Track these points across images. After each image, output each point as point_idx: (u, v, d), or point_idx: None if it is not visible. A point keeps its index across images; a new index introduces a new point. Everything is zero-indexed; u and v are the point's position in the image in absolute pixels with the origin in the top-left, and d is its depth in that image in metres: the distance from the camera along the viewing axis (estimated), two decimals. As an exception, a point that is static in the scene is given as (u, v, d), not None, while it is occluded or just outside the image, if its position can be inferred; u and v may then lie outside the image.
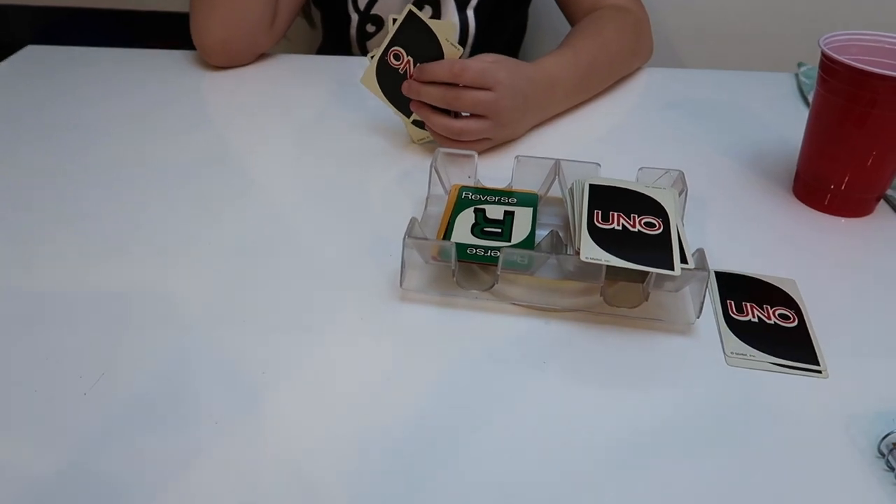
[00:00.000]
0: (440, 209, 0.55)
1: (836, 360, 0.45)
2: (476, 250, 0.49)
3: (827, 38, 0.57)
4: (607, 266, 0.45)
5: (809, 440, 0.40)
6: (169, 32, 1.39)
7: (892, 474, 0.38)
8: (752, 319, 0.48)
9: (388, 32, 0.64)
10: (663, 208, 0.49)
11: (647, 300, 0.47)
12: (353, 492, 0.37)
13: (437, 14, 0.91)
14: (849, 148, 0.57)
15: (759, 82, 0.84)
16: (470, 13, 0.91)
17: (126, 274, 0.52)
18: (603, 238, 0.46)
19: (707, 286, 0.45)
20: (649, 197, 0.50)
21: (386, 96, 0.67)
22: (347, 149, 0.69)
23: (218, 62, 0.85)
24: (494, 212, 0.53)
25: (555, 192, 0.57)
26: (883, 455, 0.39)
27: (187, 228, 0.57)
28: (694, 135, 0.72)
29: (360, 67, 0.67)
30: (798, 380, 0.44)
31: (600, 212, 0.49)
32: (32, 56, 0.90)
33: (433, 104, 0.63)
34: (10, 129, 0.73)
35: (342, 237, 0.56)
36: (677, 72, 0.88)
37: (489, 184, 0.59)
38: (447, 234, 0.51)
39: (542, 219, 0.55)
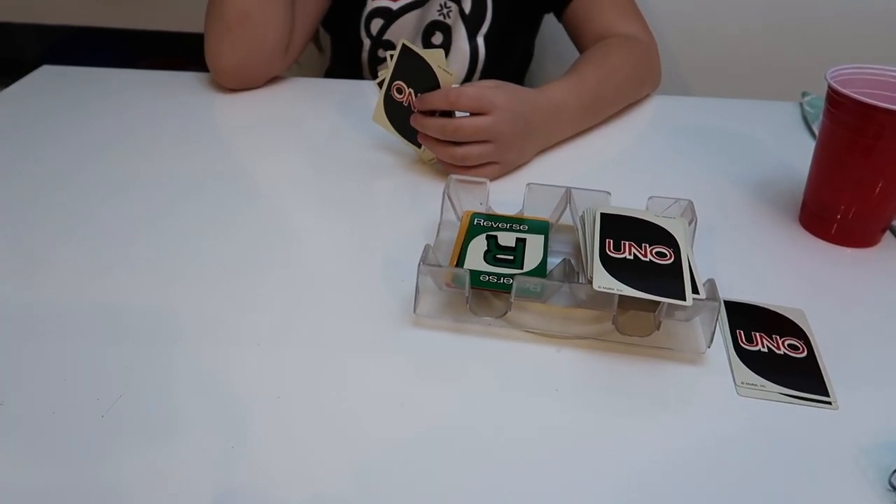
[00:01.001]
0: (452, 235, 0.56)
1: (846, 392, 0.45)
2: (489, 277, 0.49)
3: (833, 72, 0.58)
4: (619, 295, 0.46)
5: (819, 472, 0.40)
6: (177, 51, 1.40)
7: (903, 507, 0.38)
8: (762, 349, 0.48)
9: (388, 69, 0.66)
10: (674, 238, 0.50)
11: (658, 329, 0.47)
12: (369, 519, 0.37)
13: (447, 42, 0.92)
14: (855, 179, 0.58)
15: (764, 111, 0.85)
16: (480, 40, 0.92)
17: (139, 295, 0.53)
18: (615, 267, 0.47)
19: (717, 316, 0.46)
20: (660, 226, 0.51)
21: (396, 130, 0.70)
22: (358, 172, 0.70)
23: (231, 85, 0.86)
24: (507, 239, 0.54)
25: (566, 219, 0.58)
26: (893, 488, 0.39)
27: (199, 251, 0.58)
28: (701, 162, 0.73)
29: (371, 90, 0.68)
30: (808, 411, 0.44)
31: (612, 241, 0.49)
32: (47, 76, 0.91)
33: (436, 136, 0.65)
34: (22, 145, 0.74)
35: (354, 262, 0.57)
36: (684, 100, 0.89)
37: (501, 210, 0.59)
38: (460, 261, 0.52)
39: (553, 246, 0.56)
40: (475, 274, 0.49)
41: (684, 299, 0.45)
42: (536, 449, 0.41)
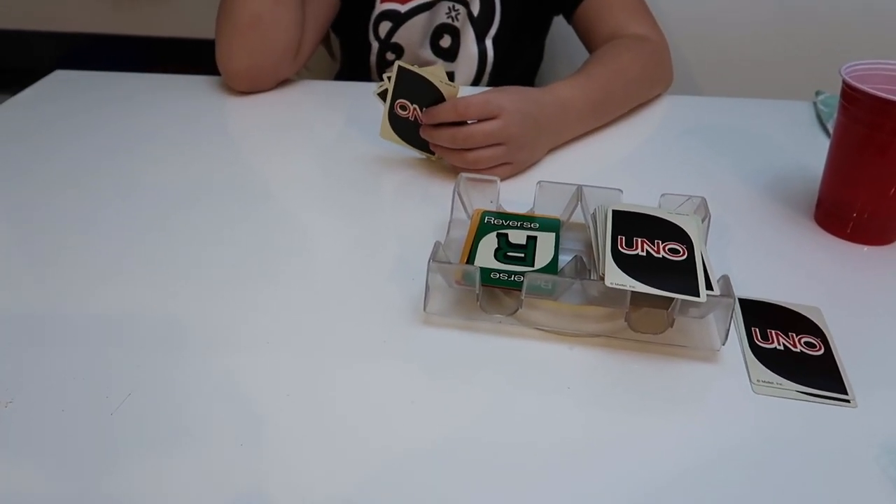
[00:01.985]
0: (462, 233, 0.55)
1: (865, 390, 0.44)
2: (500, 275, 0.49)
3: (848, 68, 0.58)
4: (631, 292, 0.45)
5: (838, 471, 0.39)
6: (191, 58, 1.41)
7: (925, 506, 0.37)
8: (778, 347, 0.48)
9: (388, 86, 0.67)
10: (687, 235, 0.49)
11: (671, 326, 0.47)
12: (379, 516, 0.37)
13: (456, 45, 0.92)
14: (871, 176, 0.57)
15: (777, 110, 0.84)
16: (489, 43, 0.92)
17: (149, 295, 0.53)
18: (627, 264, 0.46)
19: (732, 313, 0.45)
20: (673, 223, 0.51)
21: (406, 142, 0.70)
22: (368, 172, 0.70)
23: (242, 88, 0.86)
24: (517, 237, 0.54)
25: (577, 217, 0.57)
26: (915, 486, 0.38)
27: (209, 251, 0.58)
28: (713, 161, 0.73)
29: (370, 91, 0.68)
30: (826, 409, 0.43)
31: (624, 237, 0.49)
32: (60, 80, 0.92)
33: (447, 146, 0.65)
34: (35, 149, 0.74)
35: (365, 261, 0.56)
36: (696, 99, 0.88)
37: (511, 209, 0.59)
38: (470, 259, 0.51)
39: (564, 244, 0.55)
40: (486, 271, 0.49)
41: (698, 295, 0.44)
42: (549, 448, 0.41)
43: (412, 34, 0.92)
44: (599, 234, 0.50)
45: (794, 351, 0.47)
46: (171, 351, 0.47)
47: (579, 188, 0.57)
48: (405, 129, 0.69)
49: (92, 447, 0.41)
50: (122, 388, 0.44)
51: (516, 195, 0.61)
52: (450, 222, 0.58)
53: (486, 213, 0.57)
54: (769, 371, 0.46)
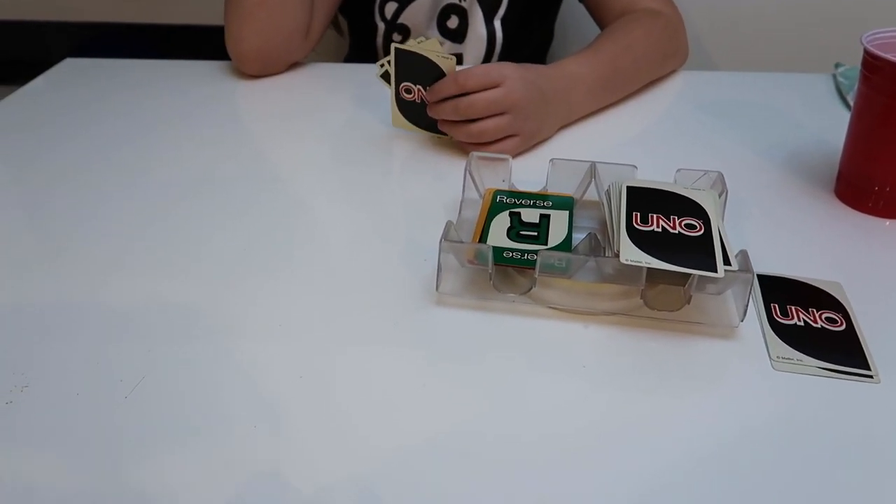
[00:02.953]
0: (475, 213, 0.55)
1: (888, 365, 0.43)
2: (513, 254, 0.48)
3: (869, 36, 0.56)
4: (647, 269, 0.45)
5: (861, 446, 0.39)
6: (203, 46, 1.41)
7: (951, 482, 0.36)
8: (798, 323, 0.47)
9: (388, 70, 0.66)
10: (703, 210, 0.48)
11: (688, 303, 0.46)
12: (389, 495, 0.37)
13: (464, 26, 0.91)
14: (893, 147, 0.55)
15: (795, 84, 0.82)
16: (497, 24, 0.91)
17: (159, 280, 0.53)
18: (643, 240, 0.46)
19: (751, 289, 0.44)
20: (689, 198, 0.50)
21: (418, 127, 0.69)
22: (378, 154, 0.69)
23: (252, 70, 0.85)
24: (530, 215, 0.53)
25: (591, 195, 0.56)
26: (941, 462, 0.37)
27: (221, 235, 0.58)
28: (730, 137, 0.71)
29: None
30: (848, 385, 0.42)
31: (639, 214, 0.48)
32: (71, 68, 0.92)
33: (451, 119, 0.64)
34: (47, 137, 0.74)
35: (376, 242, 0.56)
36: (711, 74, 0.87)
37: (524, 187, 0.58)
38: (483, 238, 0.50)
39: (578, 222, 0.54)
40: (498, 250, 0.48)
41: (716, 271, 0.43)
42: (564, 428, 0.40)
43: (419, 14, 0.91)
44: (614, 211, 0.49)
45: (815, 327, 0.46)
46: (183, 335, 0.47)
47: (593, 165, 0.56)
48: (414, 113, 0.69)
49: (107, 430, 0.41)
50: (136, 372, 0.44)
51: (529, 174, 0.60)
52: (461, 202, 0.57)
53: (498, 191, 0.56)
54: (789, 347, 0.45)
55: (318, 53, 1.05)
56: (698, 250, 0.45)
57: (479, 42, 0.91)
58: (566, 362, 0.44)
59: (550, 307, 0.48)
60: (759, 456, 0.38)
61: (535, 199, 0.55)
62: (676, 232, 0.46)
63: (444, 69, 0.64)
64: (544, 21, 1.01)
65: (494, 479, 0.37)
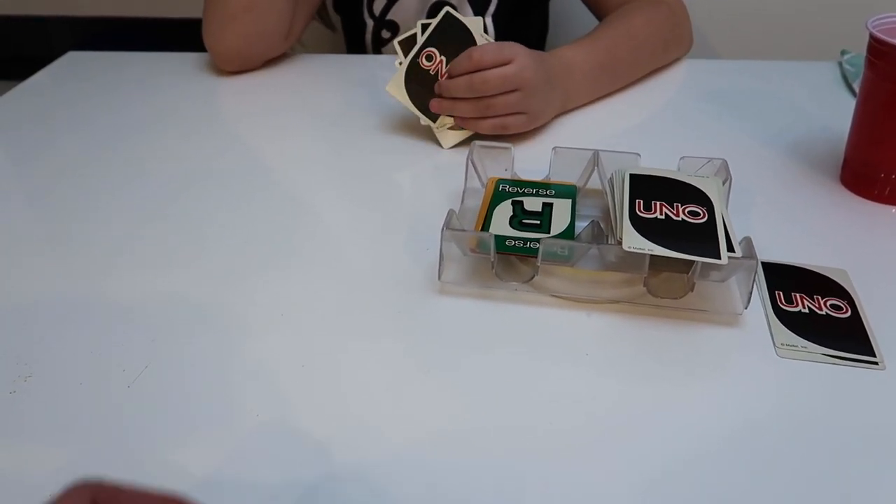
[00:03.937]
0: (477, 202, 0.54)
1: (894, 352, 0.43)
2: (515, 242, 0.48)
3: (875, 21, 0.55)
4: (650, 256, 0.44)
5: (867, 433, 0.38)
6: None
7: (958, 468, 0.36)
8: (803, 310, 0.46)
9: (417, 36, 0.65)
10: (707, 197, 0.48)
11: (692, 291, 0.46)
12: (391, 485, 0.37)
13: None
14: (900, 134, 0.55)
15: (800, 72, 0.82)
16: (488, 20, 0.90)
17: (161, 271, 0.53)
18: (646, 227, 0.45)
19: (755, 276, 0.44)
20: (692, 185, 0.49)
21: (412, 100, 0.68)
22: (379, 145, 0.69)
23: (229, 69, 0.84)
24: (532, 204, 0.53)
25: (594, 183, 0.56)
26: (947, 448, 0.37)
27: (223, 227, 0.58)
28: (734, 125, 0.71)
29: (384, 67, 0.67)
30: (854, 371, 0.42)
31: (642, 201, 0.48)
32: (73, 62, 0.92)
33: (463, 96, 0.64)
34: (50, 129, 0.74)
35: (378, 232, 0.56)
36: (716, 62, 0.86)
37: (526, 176, 0.58)
38: (485, 227, 0.50)
39: (581, 210, 0.54)
40: (500, 238, 0.48)
41: (719, 258, 0.43)
42: (567, 416, 0.40)
43: (407, 11, 0.90)
44: (617, 199, 0.49)
45: (820, 314, 0.46)
46: (186, 325, 0.47)
47: (596, 153, 0.56)
48: (418, 85, 0.67)
49: (110, 419, 0.41)
50: (139, 361, 0.44)
51: (531, 163, 0.60)
52: (464, 191, 0.57)
53: (500, 180, 0.56)
54: (794, 334, 0.44)
55: (305, 46, 1.05)
56: (702, 237, 0.45)
57: None
58: (569, 350, 0.44)
59: (553, 295, 0.48)
60: (764, 443, 0.38)
61: (538, 187, 0.55)
62: (680, 219, 0.46)
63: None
64: (537, 16, 1.00)
65: (497, 467, 0.37)
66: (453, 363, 0.44)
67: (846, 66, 0.80)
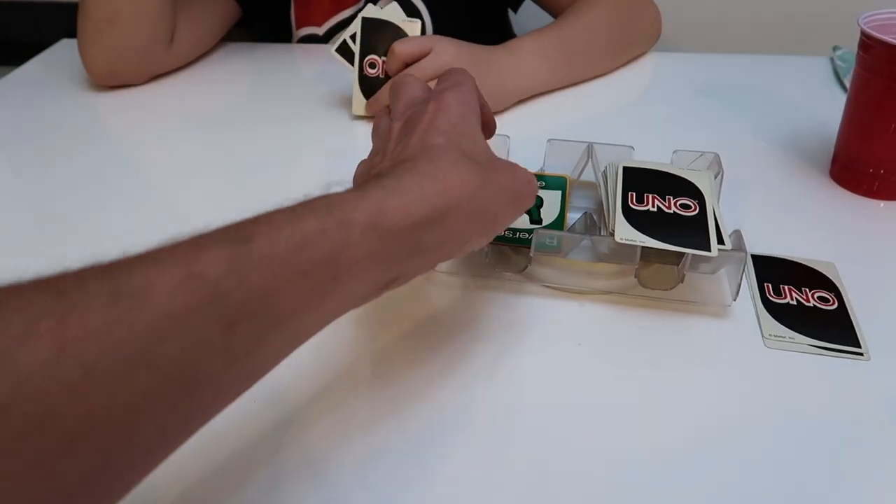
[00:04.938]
0: (471, 193, 0.55)
1: (879, 343, 0.44)
2: (507, 232, 0.49)
3: (866, 17, 0.56)
4: (642, 248, 0.45)
5: (852, 423, 0.39)
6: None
7: (938, 457, 0.37)
8: (791, 302, 0.47)
9: (348, 43, 0.65)
10: (699, 190, 0.49)
11: (682, 282, 0.46)
12: (382, 472, 0.37)
13: None
14: (889, 130, 0.55)
15: (793, 66, 0.82)
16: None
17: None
18: (637, 219, 0.46)
19: (744, 268, 0.45)
20: (684, 179, 0.50)
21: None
22: (368, 137, 0.69)
23: (107, 83, 0.80)
24: (526, 195, 0.53)
25: (587, 175, 0.56)
26: (929, 437, 0.38)
27: (216, 215, 0.58)
28: (727, 119, 0.71)
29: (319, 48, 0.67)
30: (839, 362, 0.43)
31: (634, 194, 0.48)
32: (66, 49, 0.92)
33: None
34: (42, 118, 0.74)
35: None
36: (708, 56, 0.86)
37: (520, 168, 0.58)
38: (479, 217, 0.51)
39: (574, 202, 0.55)
40: (494, 229, 0.48)
41: (709, 250, 0.44)
42: (558, 406, 0.41)
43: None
44: (610, 191, 0.50)
45: (807, 305, 0.47)
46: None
47: (590, 146, 0.56)
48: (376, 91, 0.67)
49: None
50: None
51: (526, 154, 0.60)
52: (458, 182, 0.57)
53: (494, 172, 0.56)
54: (781, 326, 0.45)
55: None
56: (693, 230, 0.45)
57: None
58: (561, 340, 0.45)
59: (546, 285, 0.49)
60: (751, 432, 0.39)
61: (531, 179, 0.55)
62: (671, 212, 0.47)
63: (409, 34, 0.64)
64: (494, 32, 0.96)
65: (488, 456, 0.38)
66: (446, 352, 0.44)
67: (838, 62, 0.81)
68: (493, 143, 0.58)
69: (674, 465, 0.37)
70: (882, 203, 0.58)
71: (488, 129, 0.44)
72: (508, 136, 0.58)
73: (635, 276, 0.47)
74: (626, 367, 0.43)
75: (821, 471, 0.37)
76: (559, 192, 0.53)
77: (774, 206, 0.58)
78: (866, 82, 0.56)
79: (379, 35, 0.64)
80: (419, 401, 0.41)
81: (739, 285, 0.45)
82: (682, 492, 0.36)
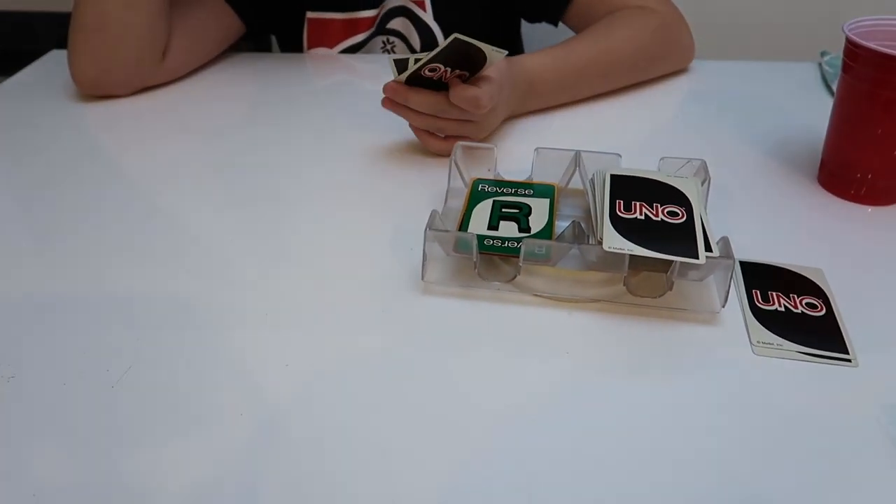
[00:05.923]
0: (460, 203, 0.55)
1: (866, 349, 0.44)
2: (494, 241, 0.49)
3: (851, 24, 0.56)
4: (630, 256, 0.45)
5: (839, 430, 0.39)
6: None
7: (925, 463, 0.37)
8: (779, 309, 0.47)
9: (410, 62, 0.61)
10: (686, 197, 0.49)
11: (670, 290, 0.46)
12: (374, 483, 0.37)
13: None
14: (875, 135, 0.56)
15: (780, 72, 0.83)
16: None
17: (145, 272, 0.53)
18: (625, 227, 0.46)
19: (732, 275, 0.45)
20: (672, 186, 0.50)
21: None
22: (364, 144, 0.69)
23: (93, 93, 0.80)
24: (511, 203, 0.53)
25: (575, 183, 0.57)
26: (916, 443, 0.38)
27: (207, 226, 0.58)
28: (715, 126, 0.72)
29: (366, 62, 0.67)
30: (827, 369, 0.43)
31: (622, 202, 0.48)
32: (57, 60, 0.92)
33: (421, 110, 0.62)
34: (36, 130, 0.74)
35: (362, 232, 0.56)
36: (697, 63, 0.87)
37: (509, 177, 0.58)
38: (463, 227, 0.51)
39: (562, 210, 0.55)
40: (481, 238, 0.48)
41: (697, 258, 0.44)
42: (548, 413, 0.41)
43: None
44: (597, 199, 0.50)
45: (795, 312, 0.47)
46: (170, 324, 0.47)
47: (577, 154, 0.56)
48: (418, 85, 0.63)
49: (94, 419, 0.41)
50: (123, 361, 0.44)
51: (514, 163, 0.61)
52: (447, 191, 0.57)
53: (479, 180, 0.56)
54: (770, 332, 0.45)
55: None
56: (680, 237, 0.45)
57: None
58: (550, 349, 0.45)
59: (535, 295, 0.49)
60: (740, 438, 0.39)
61: (517, 187, 0.55)
62: (659, 219, 0.47)
63: (490, 60, 0.61)
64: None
65: (479, 464, 0.38)
66: (437, 362, 0.44)
67: (826, 67, 0.81)
68: (482, 157, 0.58)
69: (662, 471, 0.37)
70: (870, 208, 0.58)
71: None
72: (494, 146, 0.58)
73: (624, 284, 0.47)
74: (615, 374, 0.43)
75: (809, 476, 0.37)
76: (547, 201, 0.54)
77: (762, 212, 0.58)
78: (852, 88, 0.56)
79: (461, 54, 0.60)
80: (410, 409, 0.41)
81: (728, 292, 0.45)
82: (671, 499, 0.36)
